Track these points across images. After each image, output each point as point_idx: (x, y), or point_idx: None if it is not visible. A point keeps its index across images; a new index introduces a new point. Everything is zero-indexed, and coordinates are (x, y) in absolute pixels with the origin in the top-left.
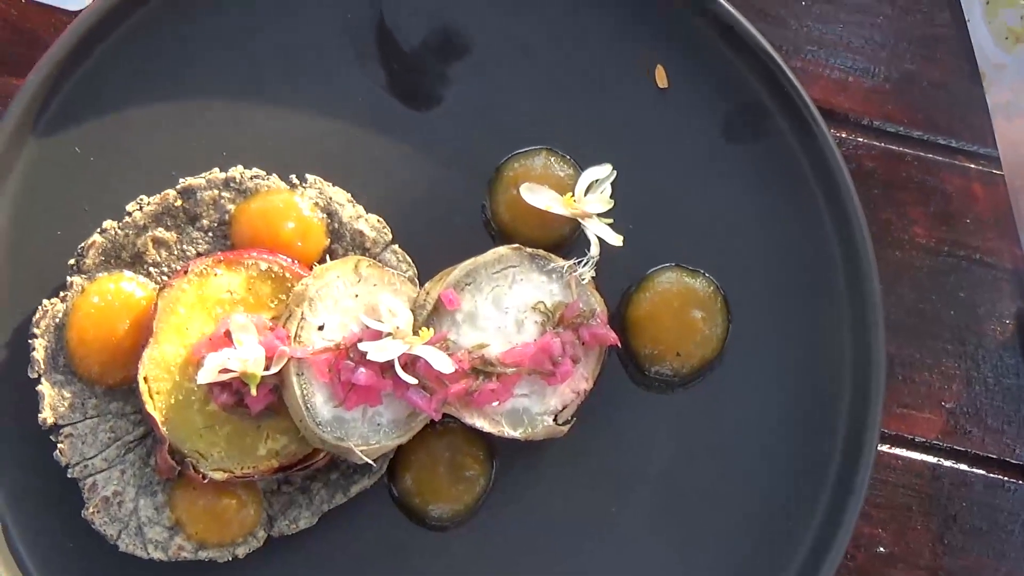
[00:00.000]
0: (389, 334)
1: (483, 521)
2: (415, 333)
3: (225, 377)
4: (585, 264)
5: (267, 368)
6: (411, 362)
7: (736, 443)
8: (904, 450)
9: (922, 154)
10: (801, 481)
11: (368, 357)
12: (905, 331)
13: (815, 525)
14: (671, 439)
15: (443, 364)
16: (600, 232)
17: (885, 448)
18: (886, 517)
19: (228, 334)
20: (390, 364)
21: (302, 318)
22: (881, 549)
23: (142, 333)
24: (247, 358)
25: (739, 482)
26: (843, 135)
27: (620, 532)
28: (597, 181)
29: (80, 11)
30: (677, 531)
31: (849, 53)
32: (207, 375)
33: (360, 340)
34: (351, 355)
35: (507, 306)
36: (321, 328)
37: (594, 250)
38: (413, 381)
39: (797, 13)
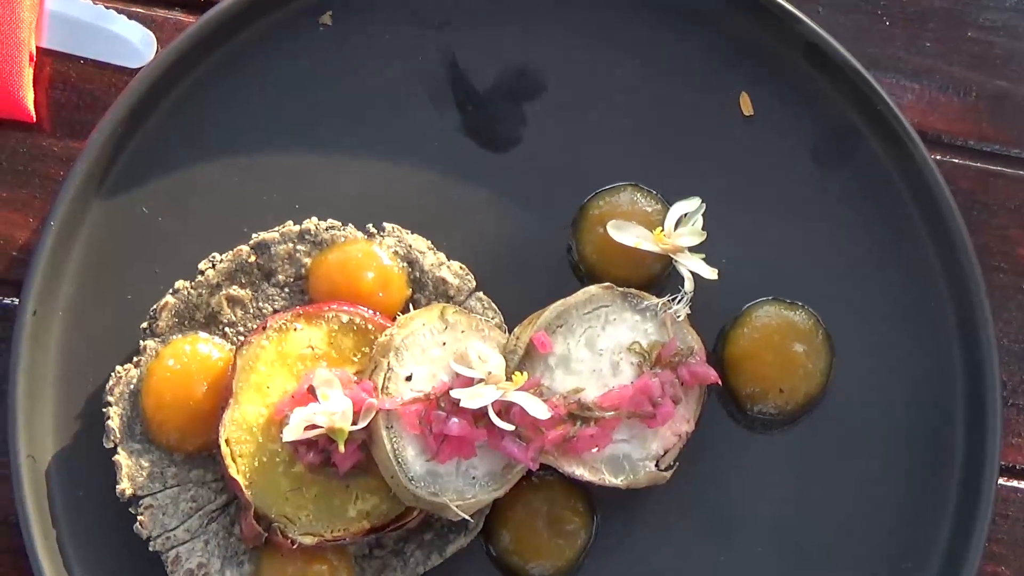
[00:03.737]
0: (481, 380)
1: None
2: (508, 379)
3: (311, 434)
4: (680, 301)
5: (354, 423)
6: (505, 410)
7: (846, 484)
8: (1022, 482)
9: (1021, 172)
10: (918, 519)
11: (461, 405)
12: (1014, 356)
13: (936, 567)
14: (778, 481)
15: (539, 410)
16: (693, 267)
17: (1002, 481)
18: (1008, 553)
19: (312, 390)
20: (483, 413)
21: (389, 369)
22: None
23: (221, 395)
24: (334, 412)
25: (853, 525)
26: (936, 156)
27: None
28: (687, 215)
29: (140, 68)
30: None
31: (938, 73)
32: (292, 432)
33: (451, 389)
34: (442, 405)
35: (601, 348)
36: (409, 379)
37: (688, 285)
38: (510, 428)
39: (882, 36)
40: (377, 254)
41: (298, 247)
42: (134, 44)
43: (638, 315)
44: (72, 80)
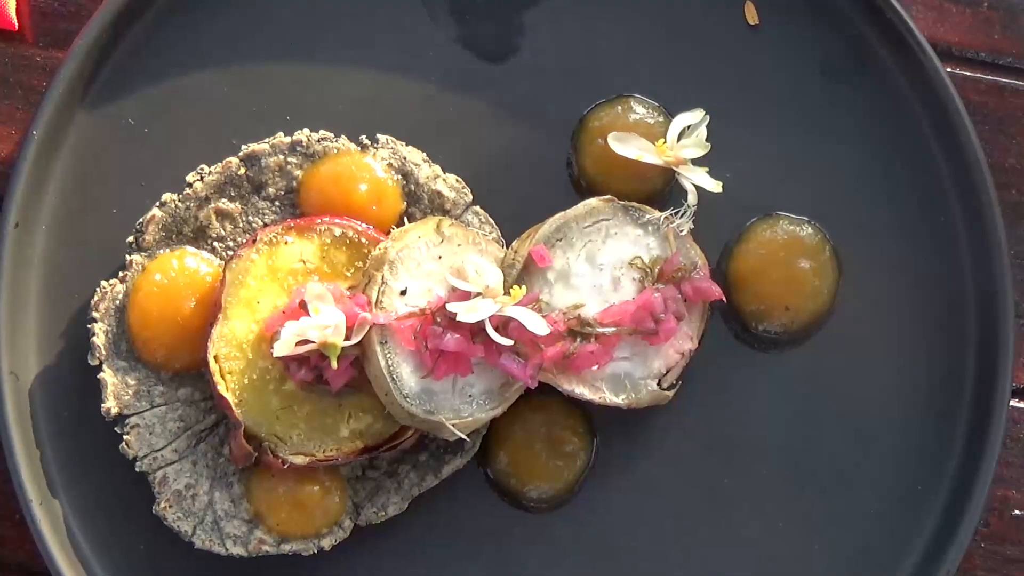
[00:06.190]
0: (478, 294)
1: (585, 500)
2: (506, 294)
3: (303, 350)
4: (683, 214)
5: (348, 338)
6: (502, 326)
7: (854, 405)
8: None
9: None
10: (928, 442)
11: (458, 319)
12: None
13: (945, 491)
14: (783, 402)
15: (538, 325)
16: (697, 180)
17: (1014, 402)
18: (1020, 476)
19: (303, 305)
20: (480, 328)
21: (383, 283)
22: (1017, 512)
23: (209, 312)
24: (326, 326)
25: (861, 447)
26: (948, 69)
27: (734, 506)
28: (690, 127)
29: None
30: (796, 503)
31: None
32: (284, 347)
33: (447, 303)
34: (438, 320)
35: (602, 262)
36: (403, 293)
37: (691, 199)
38: (508, 342)
39: None
40: (371, 166)
41: (289, 159)
42: None
43: (640, 229)
44: None
